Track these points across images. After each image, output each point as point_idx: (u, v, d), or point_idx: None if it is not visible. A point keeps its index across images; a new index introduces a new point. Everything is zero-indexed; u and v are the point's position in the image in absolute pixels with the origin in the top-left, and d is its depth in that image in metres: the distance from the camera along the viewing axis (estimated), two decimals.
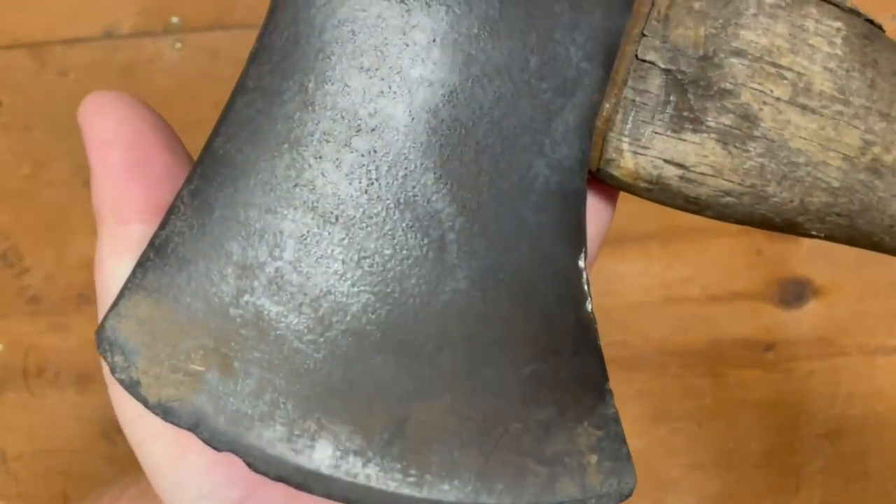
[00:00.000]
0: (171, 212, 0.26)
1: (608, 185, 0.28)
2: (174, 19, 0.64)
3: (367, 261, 0.26)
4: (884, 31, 0.29)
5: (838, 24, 0.27)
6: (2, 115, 0.64)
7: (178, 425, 0.25)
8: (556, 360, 0.27)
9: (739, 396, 0.65)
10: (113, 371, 0.26)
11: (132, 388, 0.26)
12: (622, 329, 0.65)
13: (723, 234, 0.65)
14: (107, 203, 0.28)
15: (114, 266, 0.27)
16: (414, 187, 0.26)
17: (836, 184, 0.28)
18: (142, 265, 0.26)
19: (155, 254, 0.26)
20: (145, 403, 0.26)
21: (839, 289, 0.65)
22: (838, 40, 0.27)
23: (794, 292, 0.65)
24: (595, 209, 0.29)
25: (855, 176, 0.28)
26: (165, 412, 0.25)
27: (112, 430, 0.64)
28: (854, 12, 0.28)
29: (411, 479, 0.26)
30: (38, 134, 0.64)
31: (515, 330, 0.27)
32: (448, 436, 0.26)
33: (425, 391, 0.26)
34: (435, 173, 0.26)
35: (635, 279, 0.65)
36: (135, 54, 0.64)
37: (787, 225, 0.29)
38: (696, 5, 0.27)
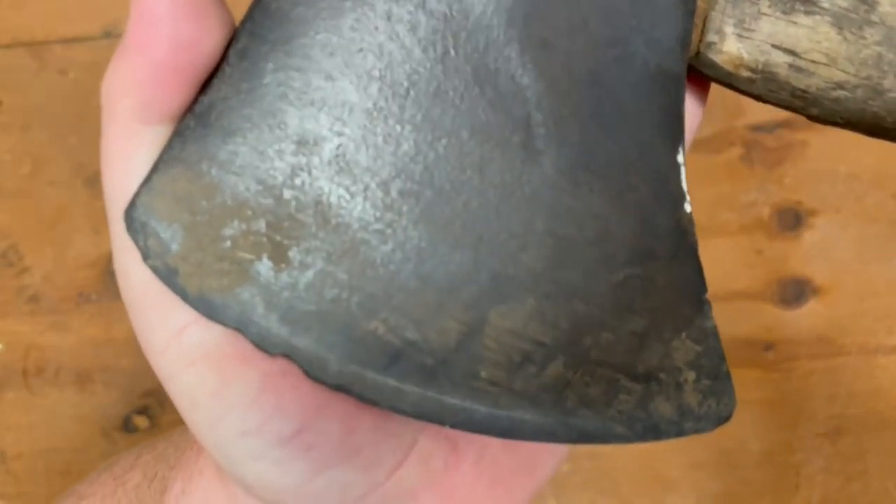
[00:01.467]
0: (216, 75, 0.22)
1: (701, 80, 0.26)
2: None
3: (443, 142, 0.22)
4: None
5: None
6: (1, 115, 0.64)
7: (223, 322, 0.22)
8: (651, 265, 0.24)
9: (739, 396, 0.65)
10: (145, 257, 0.22)
11: (169, 277, 0.22)
12: None
13: (723, 233, 0.65)
14: (132, 94, 0.23)
15: (128, 164, 0.22)
16: (496, 59, 0.23)
17: None
18: (180, 135, 0.22)
19: (196, 122, 0.22)
20: (184, 296, 0.22)
21: (839, 288, 0.65)
22: None
23: (794, 292, 0.65)
24: (686, 106, 0.25)
25: None
26: (208, 307, 0.22)
27: (112, 430, 0.64)
28: None
29: (490, 393, 0.22)
30: (38, 133, 0.64)
31: (608, 229, 0.23)
32: (531, 344, 0.23)
33: (506, 293, 0.22)
34: (521, 44, 0.23)
35: None
36: None
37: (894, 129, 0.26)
38: None
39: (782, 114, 0.65)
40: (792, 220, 0.65)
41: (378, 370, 0.22)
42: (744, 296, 0.65)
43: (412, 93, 0.22)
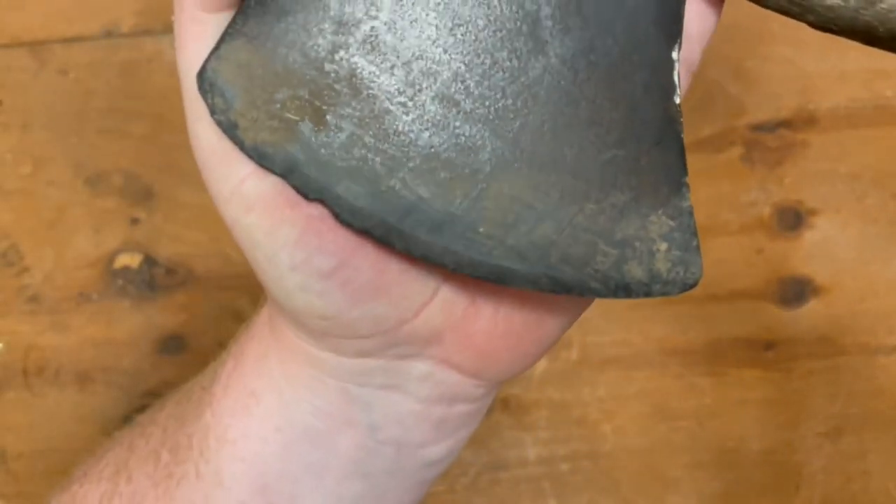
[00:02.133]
0: None
1: None
2: (174, 19, 0.64)
3: (461, 28, 0.26)
4: None
5: None
6: (1, 115, 0.64)
7: (272, 170, 0.27)
8: (637, 148, 0.27)
9: (740, 396, 0.65)
10: (213, 112, 0.27)
11: (230, 130, 0.27)
12: (622, 328, 0.65)
13: (723, 233, 0.65)
14: None
15: (197, 44, 0.27)
16: None
17: None
18: (243, 12, 0.26)
19: (256, 2, 0.26)
20: (241, 146, 0.27)
21: (839, 288, 0.65)
22: None
23: (795, 291, 0.65)
24: (700, 9, 0.29)
25: None
26: (260, 156, 0.26)
27: (112, 430, 0.64)
28: None
29: (486, 245, 0.27)
30: (38, 133, 0.64)
31: (601, 114, 0.27)
32: (525, 208, 0.27)
33: (507, 163, 0.26)
34: None
35: None
36: (135, 53, 0.64)
37: (890, 37, 0.28)
38: None
39: (783, 113, 0.65)
40: (792, 219, 0.65)
41: (395, 218, 0.27)
42: (744, 296, 0.65)
43: None
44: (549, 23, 0.26)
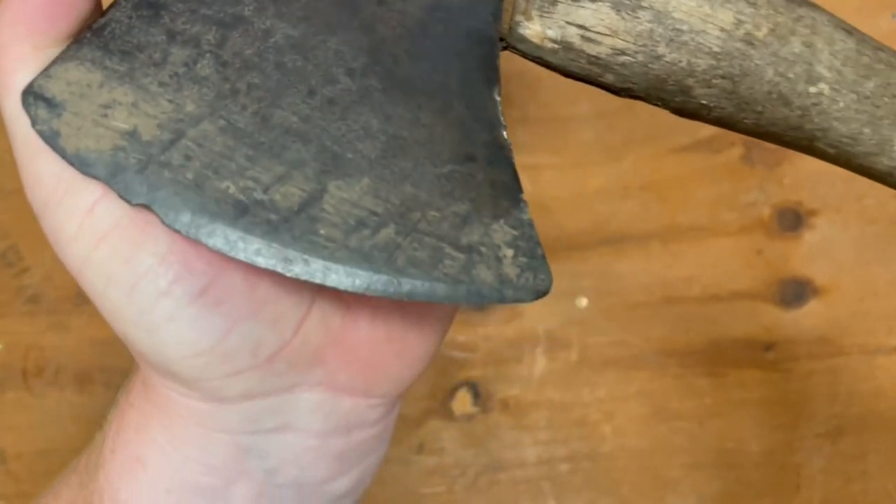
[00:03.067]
0: (114, 4, 0.28)
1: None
2: None
3: (293, 62, 0.28)
4: None
5: None
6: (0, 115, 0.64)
7: (94, 176, 0.27)
8: (472, 165, 0.29)
9: (739, 396, 0.65)
10: (34, 123, 0.27)
11: (52, 138, 0.27)
12: (622, 329, 0.65)
13: (723, 233, 0.65)
14: (25, 23, 0.27)
15: (25, 79, 0.27)
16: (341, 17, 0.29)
17: (717, 49, 0.32)
18: (78, 42, 0.27)
19: (92, 34, 0.27)
20: (63, 154, 0.27)
21: (839, 289, 0.65)
22: None
23: (795, 292, 0.65)
24: None
25: (732, 44, 0.32)
26: (82, 162, 0.26)
27: None
28: None
29: (326, 248, 0.27)
30: None
31: (434, 135, 0.29)
32: (366, 213, 0.27)
33: (345, 172, 0.27)
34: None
35: (635, 279, 0.65)
36: None
37: (679, 89, 0.33)
38: None
39: None
40: (792, 220, 0.65)
41: (227, 222, 0.26)
42: (744, 296, 0.65)
43: (263, 25, 0.28)
44: (389, 53, 0.29)
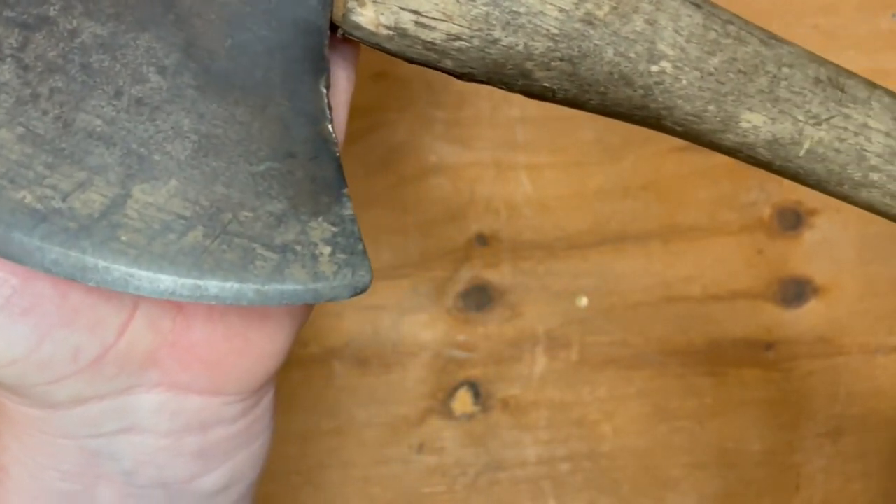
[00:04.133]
0: None
1: (352, 45, 0.32)
2: None
3: (99, 62, 0.27)
4: None
5: None
6: None
7: None
8: (291, 162, 0.28)
9: (740, 396, 0.65)
10: None
11: None
12: (622, 328, 0.65)
13: (723, 233, 0.65)
14: None
15: None
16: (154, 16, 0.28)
17: (554, 30, 0.31)
18: None
19: None
20: None
21: (839, 288, 0.65)
22: None
23: (795, 291, 0.65)
24: (337, 73, 0.31)
25: (571, 25, 0.31)
26: None
27: None
28: None
29: (128, 254, 0.26)
30: None
31: (251, 132, 0.28)
32: (172, 217, 0.27)
33: (151, 174, 0.27)
34: None
35: (636, 278, 0.65)
36: None
37: (519, 73, 0.32)
38: None
39: None
40: (792, 219, 0.65)
41: (24, 231, 0.25)
42: (744, 296, 0.65)
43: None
44: (206, 48, 0.28)
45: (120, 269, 0.26)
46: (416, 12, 0.30)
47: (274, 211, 0.28)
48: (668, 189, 0.65)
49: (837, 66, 0.34)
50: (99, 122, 0.27)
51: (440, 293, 0.64)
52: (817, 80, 0.33)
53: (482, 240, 0.64)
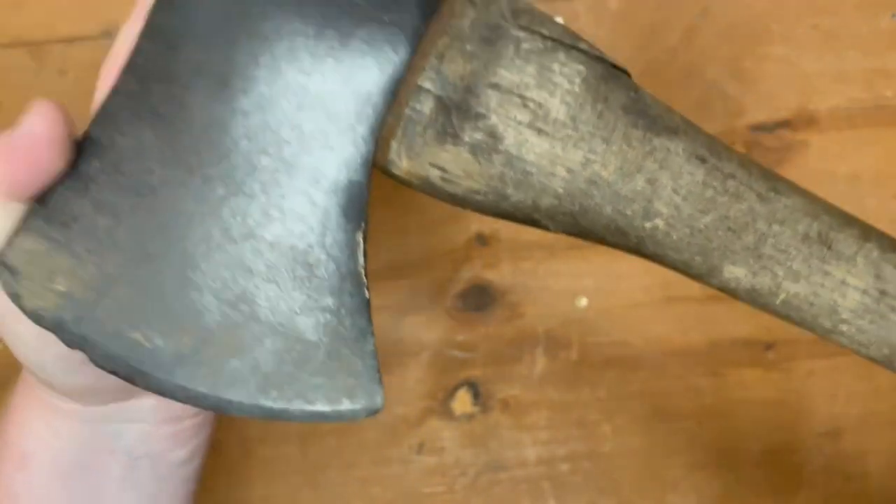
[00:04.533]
0: (61, 182, 0.34)
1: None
2: None
3: (184, 223, 0.34)
4: (626, 73, 0.36)
5: (580, 67, 0.34)
6: (1, 114, 0.64)
7: (43, 327, 0.34)
8: (329, 311, 0.35)
9: (739, 396, 0.65)
10: (4, 287, 0.34)
11: (15, 299, 0.34)
12: (622, 329, 0.65)
13: None
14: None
15: None
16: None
17: (560, 190, 0.35)
18: (31, 213, 0.34)
19: (39, 205, 0.34)
20: (24, 310, 0.34)
21: None
22: (577, 80, 0.34)
23: None
24: None
25: (576, 185, 0.35)
26: (36, 318, 0.34)
27: None
28: (598, 58, 0.35)
29: (210, 381, 0.34)
30: None
31: (300, 282, 0.35)
32: (240, 356, 0.34)
33: (227, 324, 0.34)
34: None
35: (635, 279, 0.65)
36: None
37: (526, 219, 0.37)
38: (468, 47, 0.34)
39: (782, 114, 0.65)
40: None
41: (136, 362, 0.34)
42: None
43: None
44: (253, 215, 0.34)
45: (202, 392, 0.34)
46: (442, 169, 0.35)
47: (315, 351, 0.34)
48: None
49: (833, 219, 0.37)
50: (190, 273, 0.34)
51: (440, 293, 0.64)
52: (805, 237, 0.36)
53: (482, 240, 0.64)
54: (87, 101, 0.64)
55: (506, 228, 0.64)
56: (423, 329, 0.64)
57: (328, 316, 0.34)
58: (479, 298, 0.64)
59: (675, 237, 0.36)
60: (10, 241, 0.34)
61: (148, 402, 0.42)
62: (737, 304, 0.67)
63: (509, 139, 0.34)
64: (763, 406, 0.65)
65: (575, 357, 0.64)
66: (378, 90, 0.34)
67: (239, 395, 0.34)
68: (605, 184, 0.35)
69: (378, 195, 0.64)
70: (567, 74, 0.35)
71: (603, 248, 0.67)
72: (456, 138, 0.35)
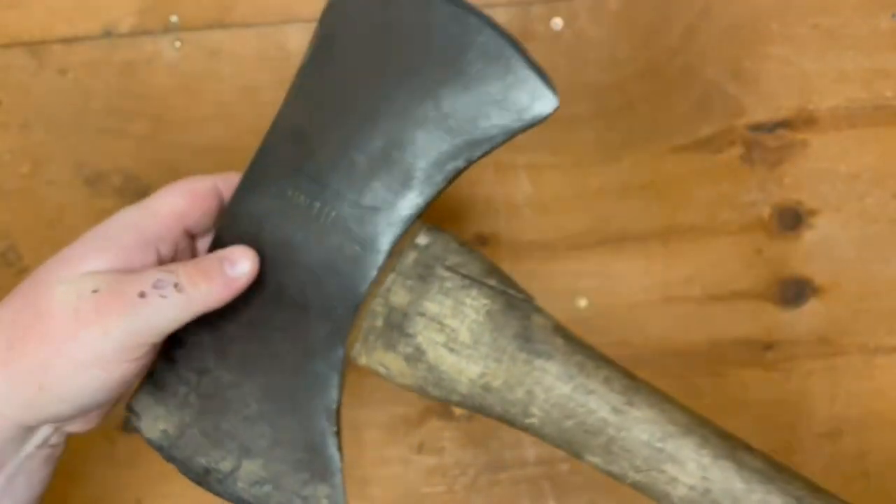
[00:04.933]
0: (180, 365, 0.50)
1: None
2: (173, 18, 0.64)
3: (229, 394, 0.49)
4: (530, 302, 0.48)
5: (486, 301, 0.47)
6: (0, 114, 0.64)
7: (153, 448, 0.50)
8: (309, 460, 0.48)
9: (739, 396, 0.65)
10: (132, 421, 0.50)
11: (137, 430, 0.50)
12: (622, 329, 0.65)
13: (723, 233, 0.65)
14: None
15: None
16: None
17: (464, 391, 0.47)
18: (146, 380, 0.50)
19: (149, 375, 0.50)
20: (143, 438, 0.50)
21: (839, 288, 0.65)
22: (482, 312, 0.46)
23: (794, 292, 0.65)
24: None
25: (474, 390, 0.47)
26: (148, 441, 0.50)
27: (112, 430, 0.64)
28: (503, 292, 0.47)
29: (242, 494, 0.49)
30: (38, 133, 0.64)
31: (283, 441, 0.48)
32: (261, 478, 0.49)
33: (248, 454, 0.49)
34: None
35: (635, 279, 0.65)
36: (134, 53, 0.64)
37: (443, 406, 0.51)
38: (408, 283, 0.47)
39: (782, 113, 0.65)
40: (792, 219, 0.65)
41: (199, 476, 0.49)
42: (744, 296, 0.65)
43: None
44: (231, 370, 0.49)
45: (236, 494, 0.49)
46: (387, 368, 0.48)
47: (301, 480, 0.48)
48: (667, 189, 0.65)
49: (677, 429, 0.47)
50: (229, 426, 0.48)
51: None
52: (647, 443, 0.46)
53: (482, 240, 0.64)
54: (87, 100, 0.65)
55: (506, 229, 0.64)
56: None
57: (308, 454, 0.47)
58: None
59: (546, 432, 0.47)
60: (134, 396, 0.50)
61: (43, 430, 0.48)
62: (737, 305, 0.67)
63: (430, 354, 0.47)
64: (763, 406, 0.65)
65: None
66: (347, 313, 0.47)
67: (245, 494, 0.49)
68: (496, 391, 0.46)
69: None
70: (475, 307, 0.46)
71: (603, 249, 0.67)
72: (395, 349, 0.47)
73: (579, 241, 0.65)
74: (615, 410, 0.46)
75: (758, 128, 0.65)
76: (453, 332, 0.46)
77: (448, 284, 0.47)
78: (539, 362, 0.46)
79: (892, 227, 0.65)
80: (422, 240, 0.48)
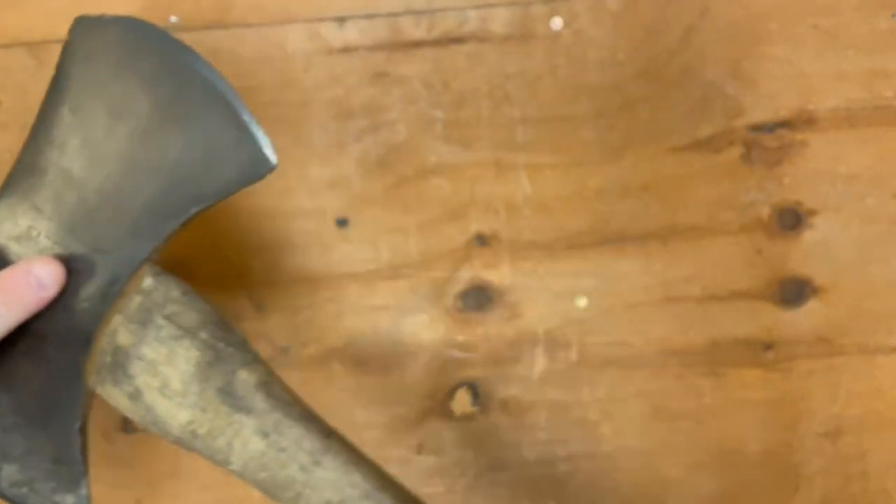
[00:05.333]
0: None
1: None
2: (173, 18, 0.64)
3: None
4: (244, 355, 0.51)
5: (197, 353, 0.50)
6: (1, 114, 0.64)
7: None
8: (56, 470, 0.50)
9: (739, 396, 0.65)
10: None
11: None
12: (622, 328, 0.65)
13: (723, 232, 0.65)
14: None
15: None
16: None
17: (176, 433, 0.50)
18: None
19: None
20: None
21: (839, 288, 0.65)
22: (193, 363, 0.50)
23: (794, 292, 0.65)
24: None
25: (185, 435, 0.50)
26: None
27: (112, 430, 0.64)
28: (212, 347, 0.50)
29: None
30: None
31: (33, 440, 0.50)
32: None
33: (4, 455, 0.50)
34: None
35: (635, 278, 0.65)
36: None
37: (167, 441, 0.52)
38: (132, 326, 0.50)
39: (782, 114, 0.65)
40: (792, 219, 0.65)
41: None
42: (744, 296, 0.65)
43: None
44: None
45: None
46: (117, 402, 0.51)
47: (51, 488, 0.50)
48: (667, 189, 0.65)
49: (356, 491, 0.51)
50: None
51: (440, 293, 0.64)
52: (328, 501, 0.50)
53: (482, 240, 0.64)
54: None
55: (506, 229, 0.64)
56: (423, 329, 0.64)
57: (53, 464, 0.50)
58: (479, 298, 0.64)
59: (247, 479, 0.51)
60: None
61: None
62: (737, 304, 0.67)
63: (146, 396, 0.50)
64: (763, 406, 0.65)
65: (574, 357, 0.64)
66: (80, 347, 0.49)
67: (8, 493, 0.50)
68: (202, 438, 0.50)
69: (377, 195, 0.64)
70: (186, 358, 0.50)
71: (603, 249, 0.67)
72: (120, 386, 0.50)
73: (579, 241, 0.65)
74: (303, 468, 0.50)
75: (757, 128, 0.65)
76: (166, 379, 0.50)
77: (164, 333, 0.50)
78: (238, 416, 0.50)
79: (891, 227, 0.65)
80: (147, 284, 0.50)
